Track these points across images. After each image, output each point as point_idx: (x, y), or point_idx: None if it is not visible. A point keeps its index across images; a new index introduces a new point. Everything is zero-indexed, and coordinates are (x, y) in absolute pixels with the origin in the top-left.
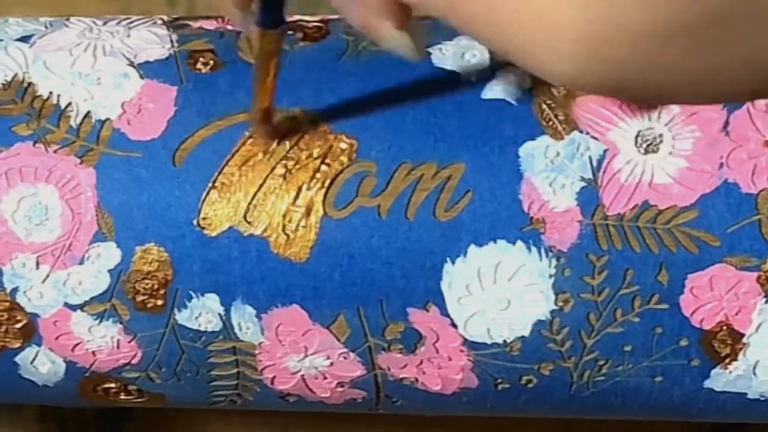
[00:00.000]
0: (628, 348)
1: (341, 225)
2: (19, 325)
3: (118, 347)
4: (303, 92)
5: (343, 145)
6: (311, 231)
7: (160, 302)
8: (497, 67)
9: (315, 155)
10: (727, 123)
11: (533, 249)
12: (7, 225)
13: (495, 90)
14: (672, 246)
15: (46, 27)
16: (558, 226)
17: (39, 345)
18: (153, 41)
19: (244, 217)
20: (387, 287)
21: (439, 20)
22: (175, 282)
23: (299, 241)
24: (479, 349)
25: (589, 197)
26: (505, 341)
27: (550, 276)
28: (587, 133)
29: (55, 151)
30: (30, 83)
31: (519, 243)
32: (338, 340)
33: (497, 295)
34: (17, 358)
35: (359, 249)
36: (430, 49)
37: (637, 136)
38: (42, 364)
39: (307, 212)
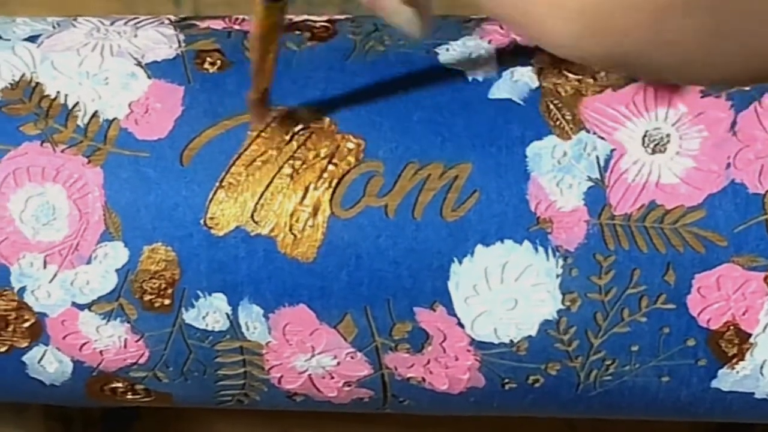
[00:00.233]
0: (635, 348)
1: (348, 225)
2: (26, 325)
3: (125, 347)
4: (310, 92)
5: (351, 145)
6: (318, 231)
7: (167, 302)
8: (504, 66)
9: (322, 155)
10: (734, 123)
11: (540, 249)
12: (15, 225)
13: (502, 90)
14: (679, 246)
15: (53, 27)
16: (565, 226)
17: (46, 344)
18: (160, 41)
19: (252, 216)
20: (394, 287)
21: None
22: (182, 281)
23: (306, 240)
24: (486, 349)
25: (596, 197)
26: (512, 341)
27: (557, 276)
28: (594, 133)
29: (62, 151)
30: (37, 83)
31: (526, 243)
32: (345, 339)
33: (504, 295)
34: (25, 358)
35: (366, 249)
36: (437, 49)
37: (644, 136)
38: (49, 364)
39: (315, 212)
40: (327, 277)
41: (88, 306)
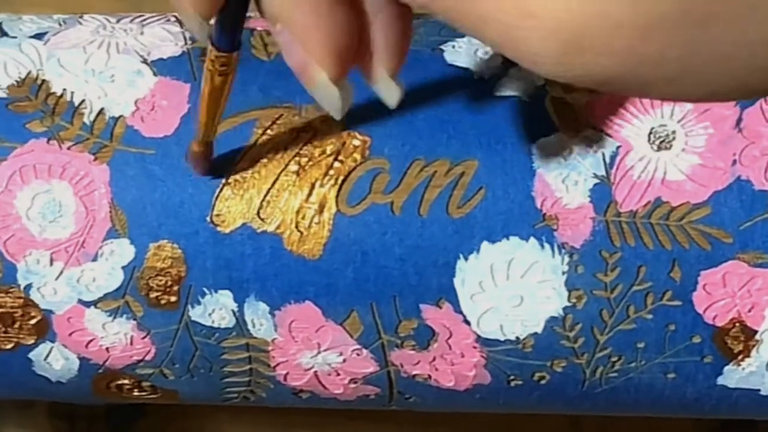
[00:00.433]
0: (640, 345)
1: (354, 222)
2: (33, 322)
3: (131, 344)
4: None
5: (356, 142)
6: (324, 228)
7: (173, 299)
8: (510, 63)
9: (328, 152)
10: (740, 120)
11: (546, 246)
12: (21, 222)
13: (508, 87)
14: (685, 243)
15: (59, 24)
16: (571, 222)
17: (53, 341)
18: (167, 38)
19: (258, 213)
20: (400, 284)
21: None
22: (188, 278)
23: (312, 237)
24: (492, 346)
25: (601, 194)
26: (517, 338)
27: (563, 273)
28: (600, 130)
29: (68, 148)
30: (44, 80)
31: (532, 240)
32: (351, 336)
33: (510, 292)
34: (31, 355)
35: (372, 246)
36: (442, 46)
37: (650, 132)
38: (56, 361)
39: (321, 209)
40: (333, 274)
41: (95, 303)
